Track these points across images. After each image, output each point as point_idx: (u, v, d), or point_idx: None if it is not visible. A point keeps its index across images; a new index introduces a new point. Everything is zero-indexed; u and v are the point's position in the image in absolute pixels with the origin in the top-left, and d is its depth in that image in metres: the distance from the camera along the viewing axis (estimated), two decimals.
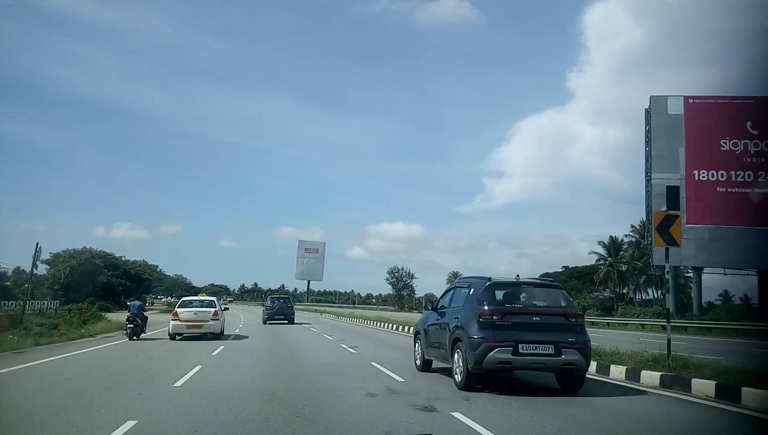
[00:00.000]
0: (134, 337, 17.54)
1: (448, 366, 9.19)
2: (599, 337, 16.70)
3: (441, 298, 10.55)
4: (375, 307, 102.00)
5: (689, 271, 43.89)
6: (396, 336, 23.01)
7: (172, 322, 18.03)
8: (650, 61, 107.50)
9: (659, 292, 56.65)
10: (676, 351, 10.27)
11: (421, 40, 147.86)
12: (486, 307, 8.36)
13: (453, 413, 6.61)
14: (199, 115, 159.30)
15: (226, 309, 23.86)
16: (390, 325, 30.04)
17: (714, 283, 62.28)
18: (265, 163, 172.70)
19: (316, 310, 67.44)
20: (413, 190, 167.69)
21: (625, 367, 10.10)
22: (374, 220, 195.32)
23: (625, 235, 59.65)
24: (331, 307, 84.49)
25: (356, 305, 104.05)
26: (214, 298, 21.05)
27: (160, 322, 26.56)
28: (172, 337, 17.79)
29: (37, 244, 20.70)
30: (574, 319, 8.45)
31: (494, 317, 8.24)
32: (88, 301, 46.61)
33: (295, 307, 35.61)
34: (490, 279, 8.88)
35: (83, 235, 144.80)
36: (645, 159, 38.87)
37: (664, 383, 8.99)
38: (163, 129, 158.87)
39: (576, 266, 74.33)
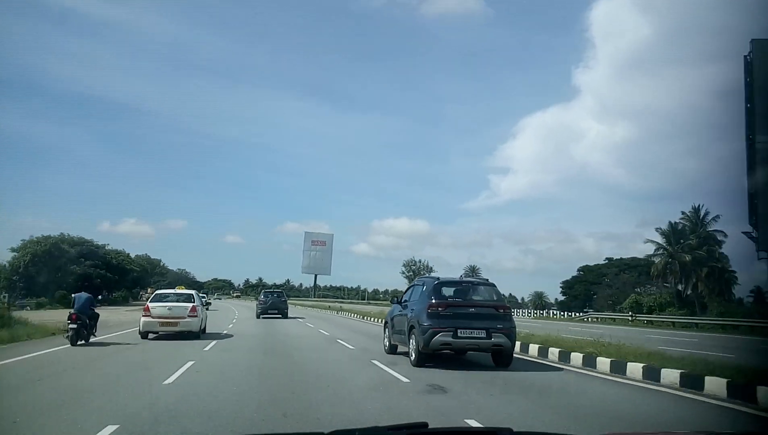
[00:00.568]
0: (79, 342, 13.66)
1: (407, 349, 11.41)
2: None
3: (404, 293, 12.81)
4: (389, 304, 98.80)
5: None
6: None
7: (142, 319, 15.92)
8: (656, 57, 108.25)
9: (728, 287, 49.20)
10: None
11: (425, 35, 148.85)
12: (434, 301, 10.60)
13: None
14: (203, 112, 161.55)
15: (208, 304, 21.50)
16: None
17: None
18: (269, 159, 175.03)
19: (329, 307, 56.15)
20: (418, 186, 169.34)
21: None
22: (379, 216, 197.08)
23: (676, 223, 52.22)
24: (342, 302, 76.42)
25: (368, 301, 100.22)
26: (193, 292, 18.29)
27: (131, 321, 24.01)
28: (144, 335, 15.84)
29: None
30: (502, 310, 10.71)
31: (439, 309, 10.49)
32: (59, 295, 43.01)
33: (303, 303, 36.32)
34: (438, 279, 11.18)
35: (88, 231, 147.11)
36: (745, 117, 35.63)
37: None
38: (166, 125, 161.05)
39: (621, 258, 69.87)
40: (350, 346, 15.00)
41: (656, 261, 52.67)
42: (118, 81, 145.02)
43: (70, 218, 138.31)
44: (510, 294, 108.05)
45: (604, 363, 10.61)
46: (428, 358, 10.59)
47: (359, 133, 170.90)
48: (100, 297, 41.13)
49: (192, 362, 10.55)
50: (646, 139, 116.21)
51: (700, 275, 48.98)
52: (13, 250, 49.45)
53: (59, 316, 20.13)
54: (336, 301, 79.75)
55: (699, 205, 50.98)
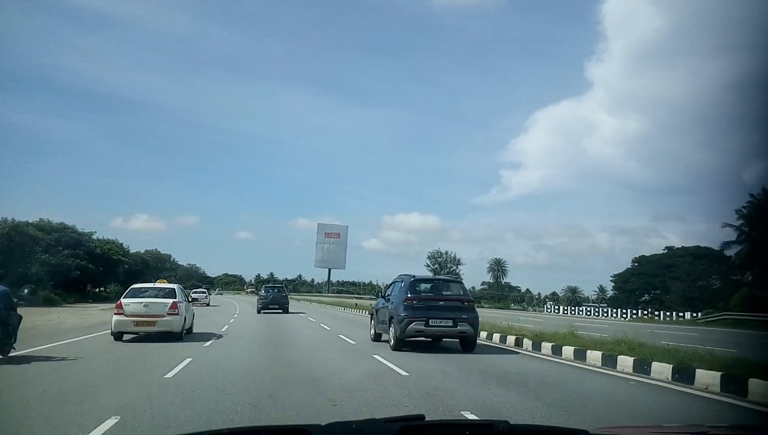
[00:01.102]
0: None
1: (387, 337, 13.30)
2: None
3: (387, 288, 14.71)
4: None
5: None
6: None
7: (114, 317, 13.82)
8: (669, 50, 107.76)
9: None
10: None
11: (437, 28, 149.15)
12: (409, 295, 12.44)
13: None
14: (214, 107, 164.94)
15: (193, 301, 18.99)
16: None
17: None
18: (281, 154, 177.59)
19: (357, 305, 46.37)
20: (429, 181, 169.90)
21: None
22: (390, 211, 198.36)
23: (743, 207, 43.47)
24: (360, 298, 67.65)
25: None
26: (176, 286, 15.85)
27: (96, 324, 19.65)
28: (117, 336, 13.76)
29: None
30: (467, 303, 12.57)
31: (414, 302, 12.33)
32: (27, 290, 35.38)
33: (319, 298, 35.53)
34: (414, 276, 13.04)
35: (101, 226, 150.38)
36: None
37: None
38: (177, 120, 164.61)
39: (684, 247, 62.29)
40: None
41: (739, 249, 43.65)
42: (129, 76, 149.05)
43: (82, 214, 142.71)
44: (527, 289, 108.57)
45: None
46: (404, 343, 12.46)
47: (370, 127, 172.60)
48: (25, 292, 33.11)
49: (147, 397, 6.95)
50: (659, 132, 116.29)
51: None
52: None
53: None
54: (352, 297, 75.68)
55: None
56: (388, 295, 14.04)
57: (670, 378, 8.79)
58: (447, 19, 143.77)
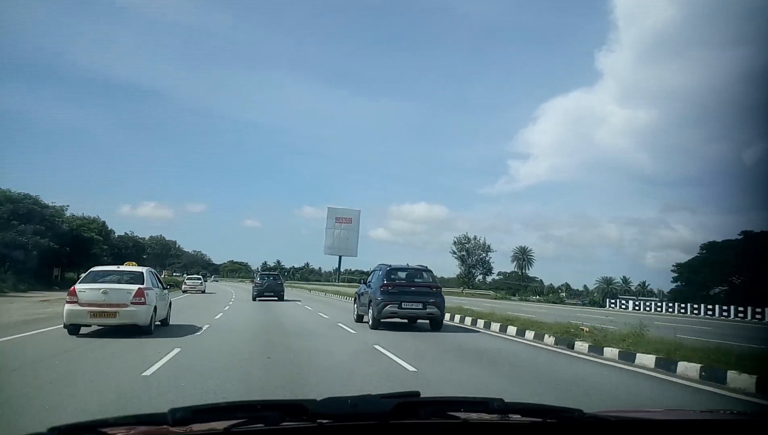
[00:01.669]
0: None
1: (367, 318, 15.10)
2: None
3: (368, 275, 16.53)
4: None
5: None
6: None
7: (66, 307, 11.34)
8: (681, 40, 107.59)
9: None
10: None
11: (447, 16, 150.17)
12: (386, 282, 14.19)
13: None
14: (223, 96, 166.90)
15: (167, 287, 15.26)
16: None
17: None
18: (288, 143, 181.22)
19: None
20: (436, 171, 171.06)
21: None
22: (397, 201, 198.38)
23: None
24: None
25: None
26: (145, 269, 13.08)
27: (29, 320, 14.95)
28: (71, 330, 11.37)
29: None
30: (435, 289, 14.30)
31: (389, 288, 14.07)
32: None
33: (334, 288, 34.52)
34: (390, 266, 14.81)
35: (108, 213, 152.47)
36: None
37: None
38: (186, 109, 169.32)
39: (763, 231, 48.57)
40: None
41: None
42: (139, 66, 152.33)
43: (90, 200, 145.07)
44: (541, 280, 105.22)
45: None
46: (380, 323, 14.27)
47: (378, 117, 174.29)
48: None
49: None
50: (669, 123, 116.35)
51: None
52: None
53: None
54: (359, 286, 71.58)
55: None
56: (369, 282, 15.78)
57: None
58: (457, 9, 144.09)
